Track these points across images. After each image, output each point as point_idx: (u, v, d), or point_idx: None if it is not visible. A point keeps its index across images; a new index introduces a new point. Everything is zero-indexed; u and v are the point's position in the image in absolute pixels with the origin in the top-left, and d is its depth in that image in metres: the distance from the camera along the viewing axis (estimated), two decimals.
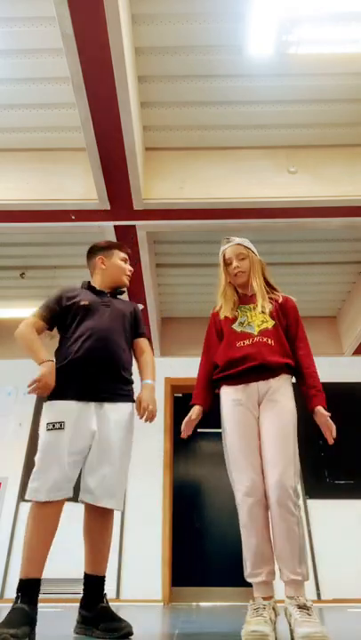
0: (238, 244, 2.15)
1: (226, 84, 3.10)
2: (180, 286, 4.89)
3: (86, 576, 1.87)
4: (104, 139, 2.90)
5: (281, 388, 1.89)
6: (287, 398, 1.88)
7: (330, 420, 1.85)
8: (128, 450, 1.92)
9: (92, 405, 1.86)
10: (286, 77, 3.06)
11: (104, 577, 1.86)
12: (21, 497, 4.42)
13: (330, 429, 1.85)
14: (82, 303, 2.04)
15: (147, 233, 3.70)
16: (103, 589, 1.84)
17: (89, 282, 2.21)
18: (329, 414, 1.85)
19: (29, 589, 1.62)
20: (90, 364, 1.89)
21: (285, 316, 2.05)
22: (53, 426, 1.78)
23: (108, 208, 3.41)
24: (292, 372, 1.97)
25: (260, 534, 1.74)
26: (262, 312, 2.02)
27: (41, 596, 1.65)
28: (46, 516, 1.71)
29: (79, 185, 3.41)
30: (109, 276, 2.20)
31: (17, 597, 1.60)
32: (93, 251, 2.26)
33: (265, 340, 1.94)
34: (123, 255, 2.24)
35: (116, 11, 2.21)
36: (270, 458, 1.77)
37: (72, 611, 3.17)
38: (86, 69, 2.50)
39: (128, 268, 2.24)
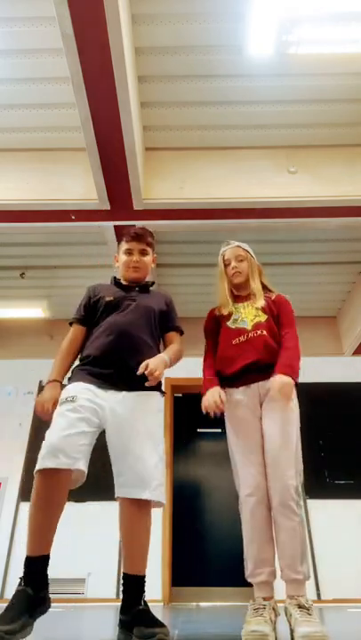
0: (238, 247, 2.20)
1: (226, 83, 3.10)
2: (180, 286, 4.89)
3: (123, 576, 1.70)
4: (104, 139, 2.90)
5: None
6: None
7: (284, 387, 1.77)
8: (158, 437, 1.78)
9: (111, 392, 1.78)
10: (286, 77, 3.06)
11: (140, 577, 1.66)
12: (21, 497, 4.42)
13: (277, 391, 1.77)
14: (106, 299, 1.99)
15: None
16: (141, 590, 1.65)
17: (115, 277, 2.16)
18: (289, 382, 1.78)
19: (33, 568, 1.53)
20: (111, 359, 1.83)
21: (278, 311, 2.08)
22: (66, 399, 1.72)
23: (108, 208, 3.41)
24: None
25: (262, 534, 1.74)
26: (255, 308, 2.05)
27: None
28: (50, 487, 1.59)
29: (79, 185, 3.41)
30: (121, 273, 2.14)
31: (21, 579, 1.52)
32: None
33: (259, 332, 1.97)
34: (126, 247, 2.12)
35: (116, 11, 2.21)
36: (272, 458, 1.78)
37: (72, 611, 3.17)
38: (86, 69, 2.50)
39: (132, 259, 2.09)
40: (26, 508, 4.35)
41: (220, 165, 3.50)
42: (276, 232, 4.03)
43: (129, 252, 2.11)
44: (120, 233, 3.58)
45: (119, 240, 2.18)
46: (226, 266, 2.18)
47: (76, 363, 1.95)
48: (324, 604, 3.83)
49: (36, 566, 1.54)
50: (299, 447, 1.81)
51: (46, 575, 1.55)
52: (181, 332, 2.11)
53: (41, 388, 4.93)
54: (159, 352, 1.98)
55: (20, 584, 1.51)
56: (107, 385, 1.79)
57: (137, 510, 1.67)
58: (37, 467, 1.60)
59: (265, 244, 4.19)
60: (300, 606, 1.56)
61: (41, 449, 1.64)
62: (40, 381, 4.94)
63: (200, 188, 3.42)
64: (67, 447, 1.60)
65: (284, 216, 3.50)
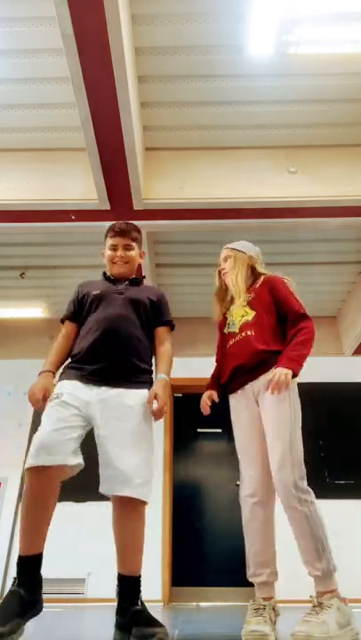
0: (227, 248, 2.20)
1: (226, 83, 3.10)
2: (180, 286, 4.89)
3: (117, 576, 1.70)
4: (104, 139, 2.89)
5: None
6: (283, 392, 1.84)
7: (280, 377, 1.71)
8: (145, 435, 1.74)
9: (98, 388, 1.76)
10: (286, 77, 3.06)
11: (134, 577, 1.65)
12: (21, 497, 4.42)
13: (273, 383, 1.72)
14: (94, 293, 1.97)
15: (147, 233, 3.69)
16: (136, 591, 1.63)
17: (105, 272, 2.13)
18: (286, 372, 1.72)
19: (27, 567, 1.53)
20: (99, 355, 1.80)
21: (272, 296, 2.00)
22: (51, 398, 1.73)
23: (108, 208, 3.41)
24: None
25: (261, 535, 1.74)
26: (242, 306, 2.00)
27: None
28: (40, 484, 1.58)
29: (79, 185, 3.41)
30: (107, 268, 2.11)
31: (14, 580, 1.52)
32: None
33: (245, 333, 1.93)
34: (110, 242, 2.08)
35: (116, 11, 2.21)
36: (270, 455, 1.76)
37: (72, 611, 3.17)
38: (86, 69, 2.49)
39: (116, 254, 2.05)
40: None
41: (220, 165, 3.50)
42: (276, 232, 4.03)
43: (114, 248, 2.07)
44: None
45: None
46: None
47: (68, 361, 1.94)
48: None
49: (29, 566, 1.54)
50: (295, 440, 1.75)
51: (39, 576, 1.55)
52: (172, 327, 2.06)
53: None
54: (150, 345, 1.96)
55: (13, 584, 1.51)
56: (93, 381, 1.77)
57: (124, 508, 1.65)
58: (26, 465, 1.59)
59: (265, 243, 4.16)
60: (313, 605, 1.57)
61: (32, 445, 1.64)
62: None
63: (200, 188, 3.42)
64: (54, 443, 1.59)
65: (284, 216, 3.50)
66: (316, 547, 1.62)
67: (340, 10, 2.57)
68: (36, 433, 1.66)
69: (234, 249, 2.18)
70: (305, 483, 1.69)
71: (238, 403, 1.92)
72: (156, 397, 1.78)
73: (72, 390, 1.73)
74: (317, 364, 4.96)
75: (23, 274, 4.60)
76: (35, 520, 1.58)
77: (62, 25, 2.28)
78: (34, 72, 2.99)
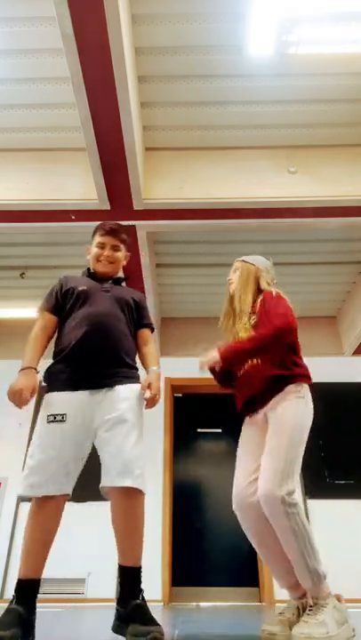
0: (237, 260, 2.19)
1: (226, 83, 3.10)
2: (180, 286, 4.89)
3: (118, 568, 1.69)
4: (104, 139, 2.89)
5: (282, 402, 1.81)
6: (286, 409, 1.80)
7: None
8: (139, 427, 1.76)
9: (96, 393, 1.76)
10: (286, 77, 3.06)
11: (134, 568, 1.65)
12: (21, 497, 4.42)
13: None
14: (80, 289, 1.96)
15: (147, 233, 3.70)
16: (136, 582, 1.63)
17: (88, 268, 2.14)
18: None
19: (26, 591, 1.55)
20: (89, 350, 1.80)
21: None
22: (55, 418, 1.70)
23: (108, 208, 3.41)
24: (291, 381, 1.85)
25: (261, 546, 1.78)
26: (247, 329, 1.94)
27: (41, 596, 1.62)
28: (46, 513, 1.62)
29: (79, 185, 3.41)
30: (91, 266, 2.11)
31: (13, 598, 1.54)
32: None
33: (253, 361, 1.88)
34: (98, 240, 2.07)
35: (116, 11, 2.21)
36: (261, 468, 1.74)
37: (72, 611, 3.17)
38: (86, 69, 2.50)
39: (102, 253, 2.05)
40: (26, 507, 4.35)
41: (220, 165, 3.50)
42: (276, 232, 4.03)
43: (101, 246, 2.08)
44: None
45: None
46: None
47: (50, 359, 1.91)
48: None
49: (29, 589, 1.56)
50: (293, 455, 1.72)
51: (35, 600, 1.57)
52: (153, 330, 2.12)
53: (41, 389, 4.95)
54: (135, 342, 2.00)
55: (11, 602, 1.53)
56: (88, 386, 1.77)
57: (125, 499, 1.65)
58: (37, 494, 1.61)
59: (265, 243, 4.18)
60: (310, 606, 1.58)
61: (33, 471, 1.64)
62: (40, 381, 4.95)
63: (200, 187, 3.42)
64: (64, 475, 1.64)
65: (284, 216, 3.50)
66: (303, 558, 1.61)
67: (340, 10, 2.57)
68: (40, 455, 1.66)
69: (244, 261, 2.16)
70: (293, 497, 1.65)
71: (248, 424, 1.94)
72: (149, 386, 1.80)
73: (74, 408, 1.72)
74: (317, 364, 4.95)
75: (23, 274, 4.60)
76: (44, 548, 1.62)
77: (62, 25, 2.28)
78: (34, 72, 2.99)
